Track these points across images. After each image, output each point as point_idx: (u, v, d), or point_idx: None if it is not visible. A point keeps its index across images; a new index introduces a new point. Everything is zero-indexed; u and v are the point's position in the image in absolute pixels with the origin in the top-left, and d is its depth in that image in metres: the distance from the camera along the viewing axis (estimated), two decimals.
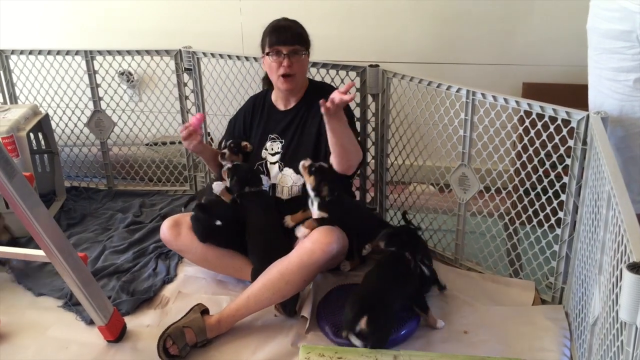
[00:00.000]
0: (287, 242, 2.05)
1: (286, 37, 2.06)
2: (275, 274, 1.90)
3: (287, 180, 2.14)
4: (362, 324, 1.69)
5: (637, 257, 1.07)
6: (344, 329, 1.75)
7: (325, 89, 2.18)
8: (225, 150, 2.19)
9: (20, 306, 2.13)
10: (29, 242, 2.43)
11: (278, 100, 2.22)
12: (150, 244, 2.45)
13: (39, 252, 1.72)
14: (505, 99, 1.98)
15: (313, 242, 1.90)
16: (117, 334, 1.90)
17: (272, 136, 2.21)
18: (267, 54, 2.08)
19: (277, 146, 2.19)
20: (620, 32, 1.74)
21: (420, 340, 1.87)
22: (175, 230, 2.13)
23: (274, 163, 2.18)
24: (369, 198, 2.57)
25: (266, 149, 2.20)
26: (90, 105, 2.89)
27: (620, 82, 1.79)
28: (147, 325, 2.00)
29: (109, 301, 1.92)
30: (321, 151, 2.10)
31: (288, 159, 2.15)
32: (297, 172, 2.11)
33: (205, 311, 1.92)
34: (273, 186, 2.17)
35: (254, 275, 1.98)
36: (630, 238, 1.13)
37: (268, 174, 2.18)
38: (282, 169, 2.16)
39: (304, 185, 2.09)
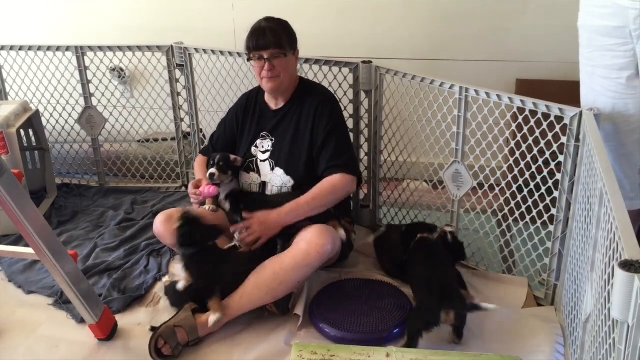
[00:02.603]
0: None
1: (265, 42, 2.02)
2: (269, 274, 1.89)
3: (277, 180, 2.13)
4: (451, 317, 1.75)
5: (629, 254, 1.06)
6: (427, 326, 1.74)
7: (315, 89, 2.17)
8: (214, 171, 2.06)
9: (10, 304, 2.12)
10: (18, 240, 2.41)
11: (269, 99, 2.21)
12: (141, 242, 2.44)
13: (29, 250, 1.70)
14: (498, 96, 1.97)
15: (308, 244, 1.90)
16: (108, 333, 1.89)
17: (263, 134, 2.19)
18: (249, 59, 2.07)
19: (267, 144, 2.18)
20: (612, 28, 1.73)
21: None
22: (169, 224, 2.11)
23: (264, 161, 2.16)
24: (362, 195, 2.57)
25: (256, 146, 2.19)
26: (82, 101, 2.87)
27: (613, 79, 1.79)
28: (138, 323, 1.99)
29: (100, 299, 1.91)
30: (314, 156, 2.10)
31: (279, 159, 2.14)
32: (288, 173, 2.10)
33: (196, 310, 1.91)
34: (263, 184, 2.15)
35: None
36: (622, 235, 1.12)
37: (258, 172, 2.16)
38: (273, 168, 2.15)
39: (293, 186, 2.10)
